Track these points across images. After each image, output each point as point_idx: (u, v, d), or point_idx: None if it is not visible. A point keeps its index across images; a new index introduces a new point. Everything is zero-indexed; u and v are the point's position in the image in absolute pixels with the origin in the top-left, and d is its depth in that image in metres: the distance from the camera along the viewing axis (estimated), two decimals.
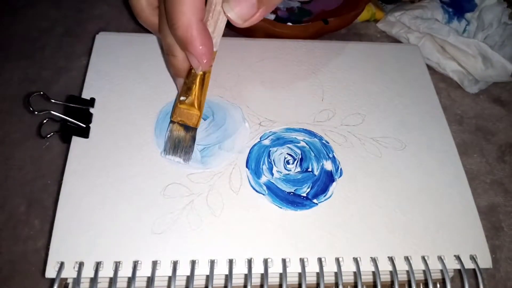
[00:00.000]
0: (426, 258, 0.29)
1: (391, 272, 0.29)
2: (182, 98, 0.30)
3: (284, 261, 0.28)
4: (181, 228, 0.29)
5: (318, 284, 0.30)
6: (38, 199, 0.35)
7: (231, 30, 0.45)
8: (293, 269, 0.28)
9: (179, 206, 0.30)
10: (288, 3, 0.51)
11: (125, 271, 0.27)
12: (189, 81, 0.30)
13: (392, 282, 0.29)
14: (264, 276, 0.27)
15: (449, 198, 0.33)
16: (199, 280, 0.29)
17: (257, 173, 0.32)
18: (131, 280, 0.26)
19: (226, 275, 0.28)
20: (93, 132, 0.33)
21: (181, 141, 0.31)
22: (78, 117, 0.32)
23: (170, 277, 0.27)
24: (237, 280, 0.29)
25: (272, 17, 0.49)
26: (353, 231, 0.30)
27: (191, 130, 0.31)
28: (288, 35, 0.43)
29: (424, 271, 0.29)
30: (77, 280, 0.26)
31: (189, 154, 0.32)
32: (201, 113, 0.31)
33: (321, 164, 0.33)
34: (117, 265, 0.27)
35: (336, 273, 0.28)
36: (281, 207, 0.31)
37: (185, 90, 0.30)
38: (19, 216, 0.34)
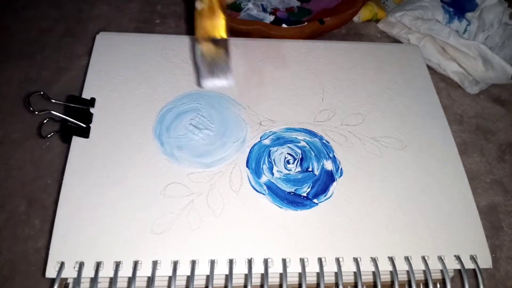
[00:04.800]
0: (426, 258, 0.29)
1: (391, 272, 0.29)
2: (198, 5, 0.26)
3: (284, 261, 0.28)
4: (181, 228, 0.29)
5: (318, 284, 0.30)
6: (38, 199, 0.35)
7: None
8: (293, 269, 0.28)
9: (179, 206, 0.30)
10: (288, 3, 0.51)
11: (125, 271, 0.27)
12: None
13: (392, 282, 0.29)
14: (264, 276, 0.27)
15: (449, 198, 0.33)
16: (199, 280, 0.29)
17: (257, 173, 0.32)
18: (131, 280, 0.26)
19: (226, 275, 0.28)
20: (93, 132, 0.33)
21: (215, 59, 0.27)
22: (78, 117, 0.32)
23: (170, 277, 0.27)
24: (237, 280, 0.29)
25: (272, 18, 0.49)
26: (353, 231, 0.30)
27: (220, 42, 0.27)
28: (284, 37, 0.43)
29: (424, 271, 0.29)
30: (77, 280, 0.26)
31: (227, 70, 0.28)
32: (226, 19, 0.27)
33: (321, 164, 0.33)
34: (117, 265, 0.27)
35: (336, 273, 0.28)
36: (281, 207, 0.31)
37: None
38: (19, 216, 0.34)
